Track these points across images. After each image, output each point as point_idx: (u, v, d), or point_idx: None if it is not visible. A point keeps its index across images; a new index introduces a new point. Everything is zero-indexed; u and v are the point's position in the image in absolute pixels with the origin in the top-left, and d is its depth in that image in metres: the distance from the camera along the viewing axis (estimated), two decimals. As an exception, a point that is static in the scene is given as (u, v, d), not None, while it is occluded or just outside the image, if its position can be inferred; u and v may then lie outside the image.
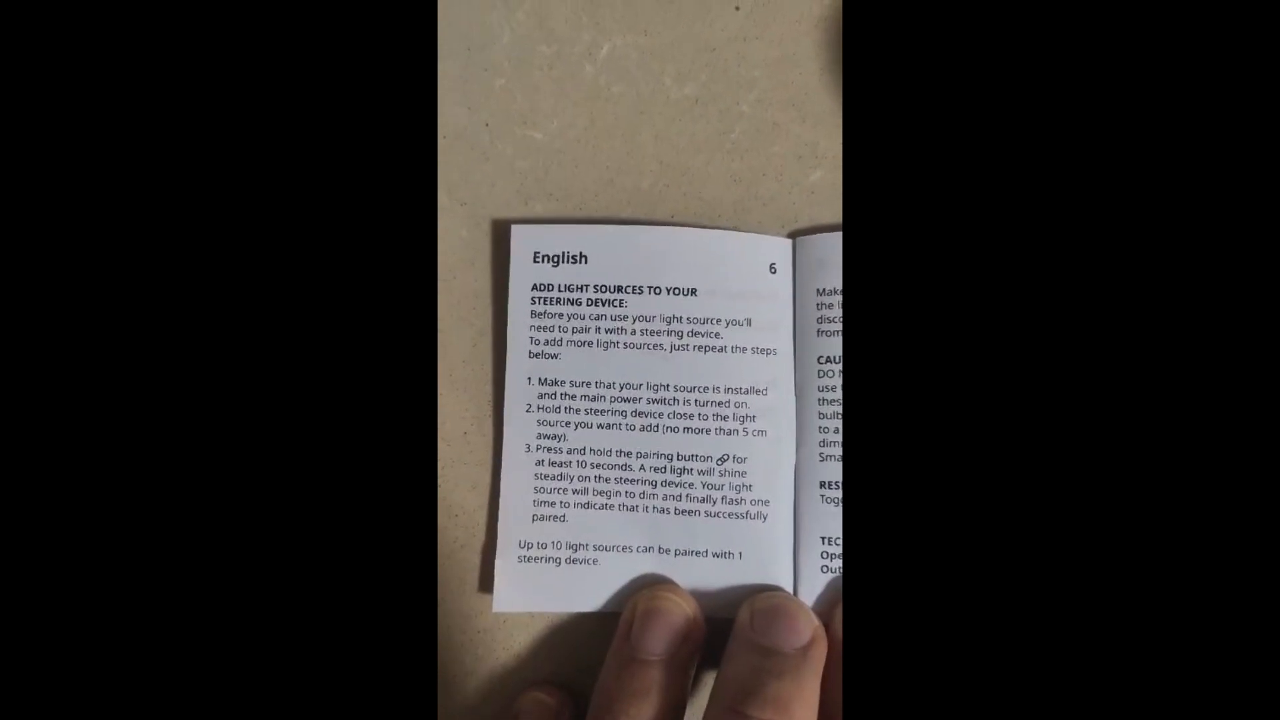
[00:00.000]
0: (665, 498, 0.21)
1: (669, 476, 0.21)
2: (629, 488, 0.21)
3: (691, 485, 0.21)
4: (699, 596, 0.21)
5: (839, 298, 0.21)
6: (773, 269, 0.21)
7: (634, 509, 0.21)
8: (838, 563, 0.21)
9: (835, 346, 0.21)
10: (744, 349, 0.21)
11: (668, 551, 0.21)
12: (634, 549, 0.21)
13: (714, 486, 0.21)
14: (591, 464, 0.21)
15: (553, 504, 0.21)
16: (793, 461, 0.21)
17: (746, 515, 0.21)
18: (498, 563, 0.21)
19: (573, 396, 0.21)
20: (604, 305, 0.21)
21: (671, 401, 0.21)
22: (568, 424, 0.21)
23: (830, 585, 0.21)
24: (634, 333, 0.21)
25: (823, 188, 0.22)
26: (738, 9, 0.23)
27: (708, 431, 0.21)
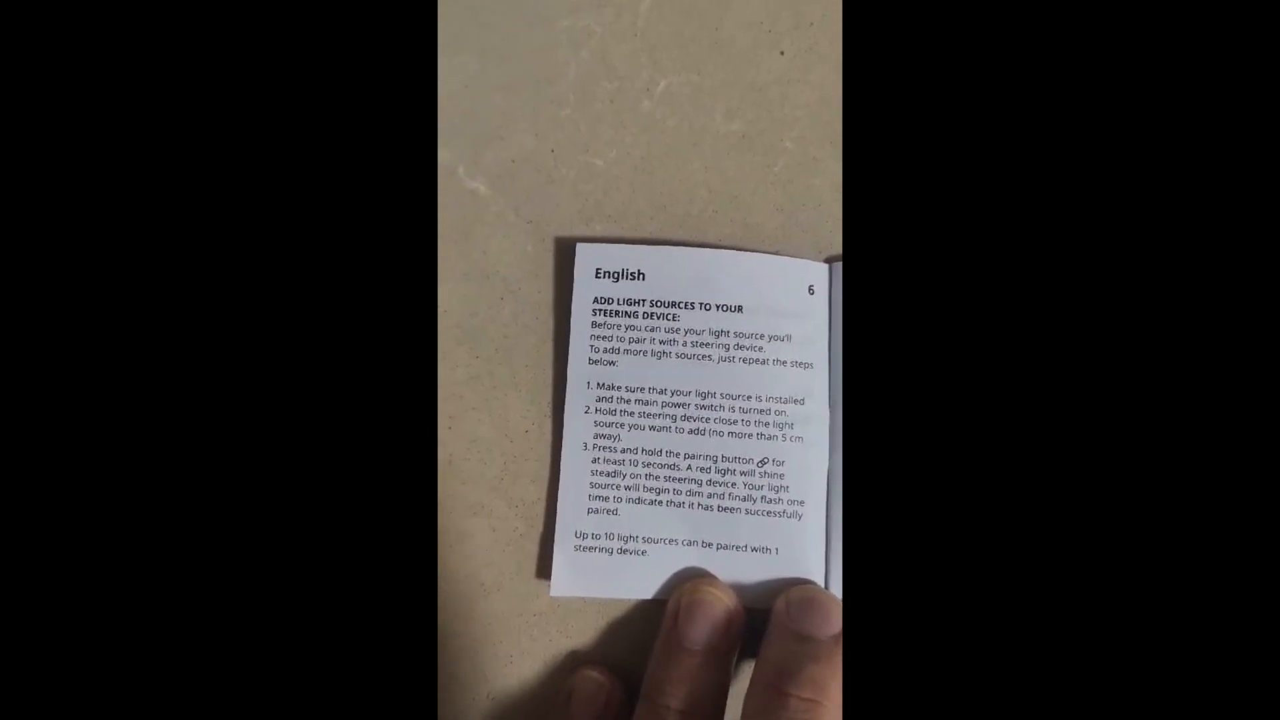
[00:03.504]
0: (709, 496, 0.23)
1: (713, 476, 0.23)
2: (676, 485, 0.23)
3: (733, 485, 0.23)
4: (737, 587, 0.23)
5: (871, 318, 0.23)
6: (811, 290, 0.24)
7: (680, 505, 0.23)
8: (866, 559, 0.23)
9: (867, 362, 0.23)
10: (784, 362, 0.23)
11: (710, 545, 0.23)
12: (680, 542, 0.23)
13: (754, 487, 0.23)
14: (643, 463, 0.23)
15: (606, 498, 0.23)
16: (826, 466, 0.23)
17: (783, 514, 0.23)
18: (555, 551, 0.23)
19: (628, 401, 0.23)
20: (659, 319, 0.23)
21: (717, 408, 0.23)
22: (622, 425, 0.23)
23: (859, 579, 0.23)
24: (685, 344, 0.23)
25: (857, 218, 0.24)
26: (782, 54, 0.25)
27: (749, 436, 0.23)
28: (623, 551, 0.23)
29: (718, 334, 0.23)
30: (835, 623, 0.21)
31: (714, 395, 0.23)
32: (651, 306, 0.23)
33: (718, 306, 0.23)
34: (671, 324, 0.23)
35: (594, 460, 0.23)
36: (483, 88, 0.25)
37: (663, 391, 0.23)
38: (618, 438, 0.23)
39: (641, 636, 0.23)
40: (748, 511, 0.23)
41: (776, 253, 0.24)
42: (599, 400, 0.23)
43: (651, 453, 0.23)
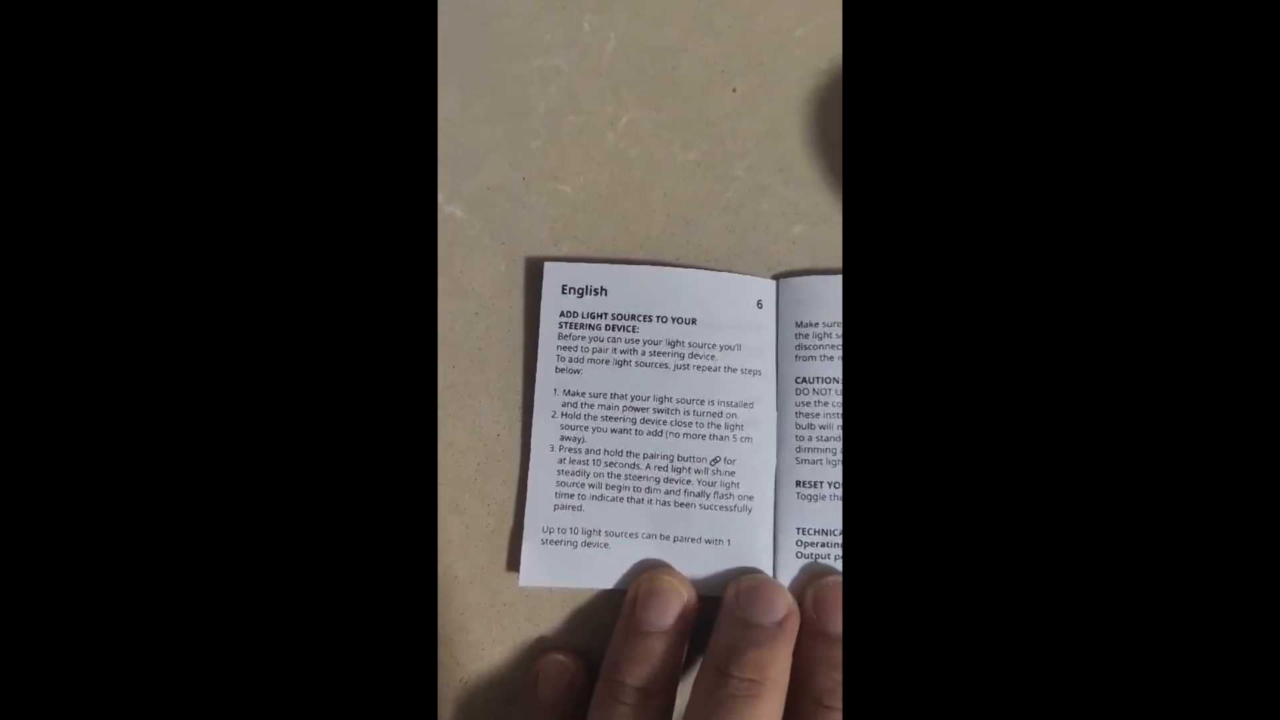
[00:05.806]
0: (666, 492, 0.25)
1: (670, 474, 0.25)
2: (636, 483, 0.25)
3: (688, 482, 0.25)
4: (693, 577, 0.25)
5: (814, 329, 0.25)
6: (759, 305, 0.26)
7: (640, 501, 0.25)
8: (810, 549, 0.25)
9: (810, 369, 0.25)
10: (735, 370, 0.25)
11: (667, 538, 0.25)
12: (639, 535, 0.25)
13: (707, 484, 0.25)
14: (605, 463, 0.25)
15: (572, 496, 0.25)
16: (774, 464, 0.25)
17: (734, 508, 0.25)
18: (524, 545, 0.25)
19: (591, 405, 0.25)
20: (619, 330, 0.26)
21: (673, 411, 0.25)
22: (586, 428, 0.25)
23: (803, 569, 0.25)
24: (644, 354, 0.25)
25: (802, 239, 0.27)
26: (734, 91, 0.28)
27: (703, 437, 0.25)
28: (587, 545, 0.25)
29: (674, 344, 0.25)
30: (779, 610, 0.23)
31: (670, 400, 0.25)
32: (613, 319, 0.26)
33: (674, 319, 0.26)
34: (631, 335, 0.25)
35: (560, 461, 0.25)
36: (462, 121, 0.28)
37: (623, 397, 0.25)
38: (582, 440, 0.25)
39: (603, 623, 0.25)
40: (702, 506, 0.25)
41: (728, 270, 0.26)
42: (565, 406, 0.25)
43: (613, 453, 0.25)
